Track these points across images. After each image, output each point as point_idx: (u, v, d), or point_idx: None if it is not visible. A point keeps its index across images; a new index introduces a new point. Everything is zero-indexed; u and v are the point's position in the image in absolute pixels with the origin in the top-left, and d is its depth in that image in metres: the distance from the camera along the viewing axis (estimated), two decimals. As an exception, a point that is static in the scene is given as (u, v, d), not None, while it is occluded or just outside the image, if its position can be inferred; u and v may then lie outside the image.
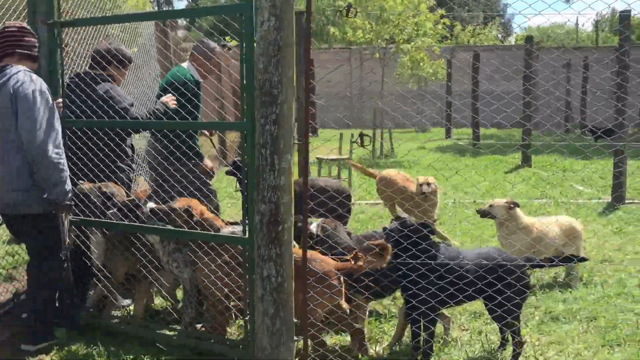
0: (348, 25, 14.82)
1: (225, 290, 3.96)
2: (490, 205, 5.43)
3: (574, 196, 9.74)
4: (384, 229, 4.03)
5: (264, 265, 3.47)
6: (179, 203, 4.16)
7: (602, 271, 5.87)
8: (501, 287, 3.84)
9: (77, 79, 4.92)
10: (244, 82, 3.54)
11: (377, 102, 15.39)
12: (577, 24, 36.84)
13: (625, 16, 9.22)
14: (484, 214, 5.45)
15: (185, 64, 5.60)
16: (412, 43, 15.10)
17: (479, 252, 4.06)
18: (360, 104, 18.36)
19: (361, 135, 3.62)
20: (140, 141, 9.36)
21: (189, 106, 4.92)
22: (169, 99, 5.05)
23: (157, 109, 4.94)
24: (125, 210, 4.53)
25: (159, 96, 5.26)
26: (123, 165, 4.95)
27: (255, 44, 3.36)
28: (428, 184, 6.86)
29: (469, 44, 25.99)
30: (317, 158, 11.00)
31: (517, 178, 11.43)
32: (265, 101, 3.34)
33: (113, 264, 4.68)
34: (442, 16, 15.06)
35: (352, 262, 3.83)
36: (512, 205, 5.37)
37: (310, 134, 10.43)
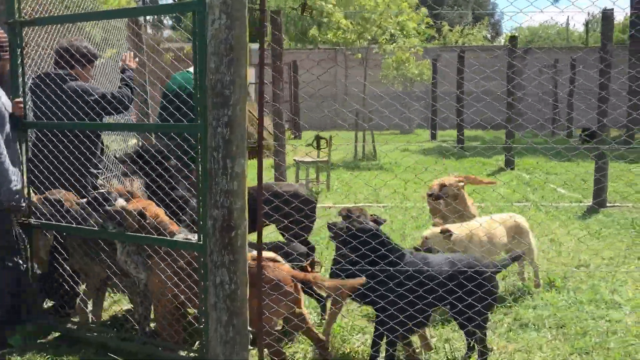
0: (329, 26, 14.72)
1: (181, 297, 3.84)
2: (426, 238, 4.95)
3: (555, 199, 9.66)
4: (329, 225, 3.94)
5: (217, 272, 3.37)
6: (133, 204, 4.03)
7: (575, 277, 5.78)
8: (468, 293, 3.74)
9: (37, 80, 4.81)
10: (197, 82, 3.43)
11: (359, 103, 15.29)
12: (567, 24, 36.84)
13: (607, 16, 9.09)
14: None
15: (191, 69, 5.47)
16: (395, 44, 15.00)
17: (444, 258, 3.97)
18: (343, 105, 18.25)
19: (317, 138, 3.52)
20: (112, 143, 9.28)
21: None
22: (130, 60, 4.92)
23: (128, 77, 4.82)
24: (95, 204, 4.43)
25: (163, 106, 5.16)
26: (85, 170, 4.78)
27: (207, 43, 3.25)
28: (443, 185, 6.00)
29: (457, 44, 25.88)
30: (294, 160, 10.88)
31: (498, 181, 11.35)
32: (217, 102, 3.24)
33: (88, 268, 4.54)
34: (425, 15, 14.94)
35: (309, 270, 3.73)
36: (446, 234, 4.90)
37: (293, 136, 10.28)
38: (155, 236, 3.89)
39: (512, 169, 12.92)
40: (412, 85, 20.39)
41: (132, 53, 5.09)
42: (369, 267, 3.74)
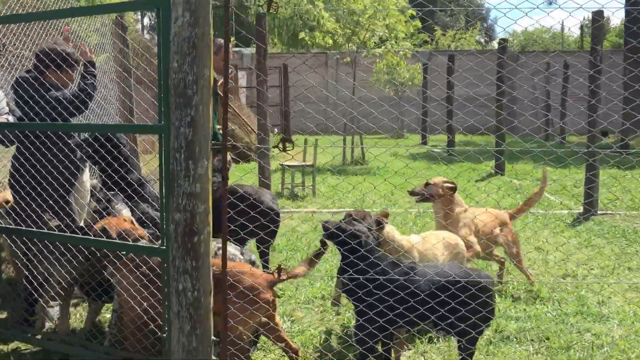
0: (320, 29, 14.55)
1: (144, 304, 3.67)
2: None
3: (544, 206, 9.50)
4: (323, 224, 3.87)
5: (179, 279, 3.22)
6: (98, 225, 3.90)
7: (562, 287, 5.62)
8: (460, 308, 3.58)
9: (14, 82, 4.67)
10: (161, 82, 3.28)
11: (348, 108, 15.12)
12: (562, 27, 36.67)
13: (597, 18, 8.93)
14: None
15: None
16: (383, 47, 14.83)
17: (435, 268, 3.80)
18: (334, 108, 18.05)
19: (283, 140, 3.37)
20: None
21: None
22: (85, 53, 4.77)
23: (89, 73, 4.66)
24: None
25: None
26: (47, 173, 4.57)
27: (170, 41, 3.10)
28: (427, 184, 5.56)
29: (449, 48, 25.73)
30: (280, 165, 10.73)
31: (488, 187, 11.18)
32: (180, 102, 3.10)
33: (49, 274, 4.33)
34: (412, 17, 14.74)
35: (276, 276, 3.57)
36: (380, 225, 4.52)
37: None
38: (117, 241, 3.72)
39: (502, 174, 12.77)
40: (404, 90, 20.23)
41: (83, 43, 4.92)
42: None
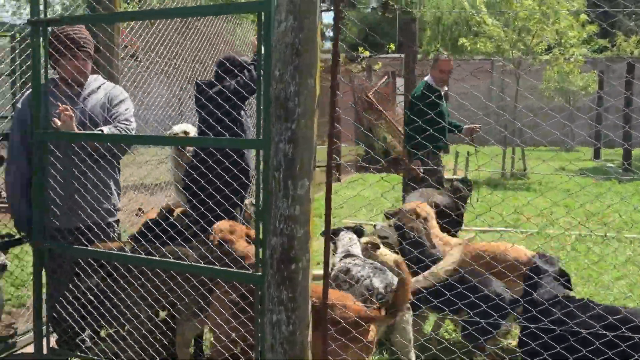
0: (481, 36, 13.78)
1: (232, 334, 3.43)
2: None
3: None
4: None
5: (274, 309, 2.93)
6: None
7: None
8: None
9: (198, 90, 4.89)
10: (261, 92, 3.02)
11: (514, 118, 14.14)
12: None
13: None
14: None
15: (426, 78, 6.89)
16: (551, 54, 13.71)
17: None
18: (496, 119, 16.98)
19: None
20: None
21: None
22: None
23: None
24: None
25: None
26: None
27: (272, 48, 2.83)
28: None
29: (632, 54, 23.30)
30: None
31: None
32: (280, 115, 2.81)
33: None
34: (587, 21, 13.46)
35: (380, 312, 3.17)
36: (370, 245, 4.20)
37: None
38: (206, 266, 3.48)
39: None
40: (576, 99, 18.69)
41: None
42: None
